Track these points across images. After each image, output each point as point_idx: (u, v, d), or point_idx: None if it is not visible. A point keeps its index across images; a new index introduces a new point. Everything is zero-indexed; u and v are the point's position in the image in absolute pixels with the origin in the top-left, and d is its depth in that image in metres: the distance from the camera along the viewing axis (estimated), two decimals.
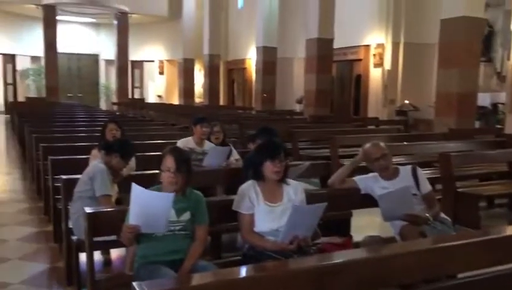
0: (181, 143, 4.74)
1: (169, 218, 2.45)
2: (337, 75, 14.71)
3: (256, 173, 2.78)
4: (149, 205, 2.37)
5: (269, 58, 14.96)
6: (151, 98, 23.72)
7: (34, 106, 16.32)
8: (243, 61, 19.72)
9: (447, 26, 8.17)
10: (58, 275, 3.67)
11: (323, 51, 11.60)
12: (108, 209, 2.83)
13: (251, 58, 18.47)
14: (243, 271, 2.10)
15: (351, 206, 3.74)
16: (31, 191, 6.56)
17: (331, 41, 11.66)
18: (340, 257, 2.23)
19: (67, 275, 3.49)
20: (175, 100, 22.08)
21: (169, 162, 2.56)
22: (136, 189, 2.38)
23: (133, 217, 2.40)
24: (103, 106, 22.87)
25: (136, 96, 23.71)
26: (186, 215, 2.62)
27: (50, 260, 4.05)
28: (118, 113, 15.00)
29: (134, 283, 1.60)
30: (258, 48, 15.21)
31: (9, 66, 21.92)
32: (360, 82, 14.30)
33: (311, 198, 2.92)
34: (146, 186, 2.74)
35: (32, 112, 12.39)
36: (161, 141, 6.21)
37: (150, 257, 2.52)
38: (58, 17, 19.69)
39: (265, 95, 15.14)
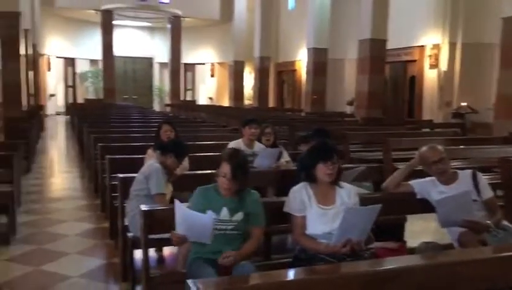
0: (231, 145, 4.78)
1: (211, 229, 2.49)
2: (390, 76, 14.36)
3: (308, 175, 2.76)
4: (192, 223, 2.48)
5: (320, 60, 14.83)
6: (202, 100, 24.16)
7: (92, 107, 17.04)
8: (293, 63, 19.68)
9: (510, 25, 7.78)
10: (114, 271, 3.81)
11: (376, 52, 11.36)
12: (163, 208, 2.89)
13: (301, 60, 18.39)
14: (295, 273, 2.09)
15: (405, 211, 3.63)
16: (89, 189, 6.85)
17: (384, 42, 11.40)
18: (395, 262, 2.17)
19: (123, 270, 3.61)
20: (225, 102, 22.36)
21: (225, 168, 2.60)
22: (178, 207, 2.47)
23: (179, 228, 2.49)
24: (156, 107, 23.52)
25: (188, 98, 24.22)
26: (239, 216, 2.65)
27: (106, 255, 4.20)
28: (170, 115, 15.37)
29: (188, 281, 1.64)
30: (308, 50, 15.11)
31: (70, 69, 23.02)
32: (414, 84, 13.88)
33: (364, 202, 2.86)
34: (201, 185, 2.81)
35: (90, 113, 12.94)
36: (212, 142, 6.32)
37: (202, 253, 2.57)
38: (115, 22, 20.46)
39: (315, 96, 15.02)
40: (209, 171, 4.23)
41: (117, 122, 10.36)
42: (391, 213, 3.36)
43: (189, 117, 15.37)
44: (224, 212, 2.64)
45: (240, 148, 4.61)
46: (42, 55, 19.60)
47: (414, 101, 13.86)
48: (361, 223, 2.52)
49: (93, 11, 19.88)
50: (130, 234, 3.39)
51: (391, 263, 2.14)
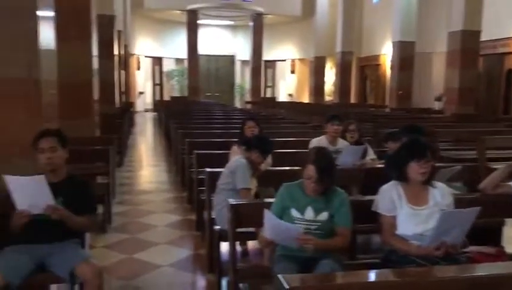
0: (314, 143, 4.74)
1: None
2: (484, 70, 13.41)
3: (399, 173, 2.65)
4: (280, 231, 2.49)
5: (406, 54, 14.23)
6: (282, 96, 24.24)
7: (177, 104, 17.76)
8: (376, 57, 19.10)
9: None
10: (201, 262, 3.95)
11: (468, 44, 10.67)
12: (250, 202, 2.93)
13: (386, 54, 17.78)
14: (384, 275, 2.02)
15: (504, 214, 3.37)
16: (176, 182, 7.15)
17: (477, 33, 10.67)
18: (496, 268, 2.03)
19: (209, 262, 3.72)
20: (305, 99, 22.24)
21: (311, 171, 2.55)
22: (268, 216, 2.48)
23: (268, 233, 2.51)
24: (238, 104, 24.00)
25: (268, 95, 24.41)
26: (324, 216, 2.60)
27: (193, 246, 4.36)
28: (251, 112, 15.59)
29: (279, 276, 1.64)
30: (394, 43, 14.57)
31: (157, 68, 24.18)
32: (511, 78, 12.86)
33: (459, 203, 2.70)
34: (285, 181, 2.81)
35: (175, 110, 13.49)
36: (294, 138, 6.31)
37: (288, 250, 2.57)
38: (199, 21, 21.15)
39: (400, 92, 14.45)
40: (292, 168, 4.26)
41: (200, 118, 10.71)
42: (488, 216, 3.13)
43: (270, 114, 15.52)
44: (309, 212, 2.60)
45: (323, 146, 4.60)
46: (132, 55, 20.76)
47: (511, 96, 12.85)
48: (458, 225, 2.37)
49: (179, 12, 20.69)
50: (216, 227, 3.48)
51: (492, 269, 2.00)
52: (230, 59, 25.41)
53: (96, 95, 6.04)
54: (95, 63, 6.02)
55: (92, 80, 5.62)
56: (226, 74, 25.50)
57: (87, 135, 5.63)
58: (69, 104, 4.45)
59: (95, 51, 6.00)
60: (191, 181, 5.56)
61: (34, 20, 2.91)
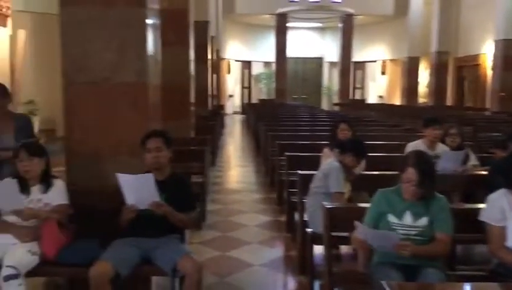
0: (411, 147, 4.57)
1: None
2: None
3: (509, 181, 2.46)
4: (377, 238, 2.47)
5: (510, 52, 13.18)
6: (371, 98, 23.59)
7: (265, 107, 18.02)
8: (475, 57, 17.88)
9: None
10: (292, 263, 3.97)
11: None
12: (345, 206, 2.90)
13: (486, 54, 16.60)
14: (493, 288, 1.90)
15: None
16: (264, 183, 7.25)
17: None
18: None
19: (301, 264, 3.73)
20: (396, 101, 21.44)
21: (411, 174, 2.47)
22: (361, 230, 2.47)
23: (365, 237, 2.47)
24: (325, 106, 23.78)
25: (357, 97, 23.91)
26: (423, 221, 2.51)
27: (284, 248, 4.40)
28: (341, 114, 15.36)
29: (383, 282, 1.60)
30: (496, 42, 13.56)
31: (246, 72, 24.73)
32: None
33: None
34: (378, 186, 2.74)
35: (264, 112, 13.69)
36: (386, 142, 6.12)
37: (387, 257, 2.49)
38: (288, 24, 21.29)
39: (503, 94, 13.41)
40: (386, 173, 4.13)
41: (288, 120, 10.77)
42: None
43: (359, 116, 15.19)
44: (407, 217, 2.52)
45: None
46: (223, 59, 21.43)
47: None
48: None
49: (268, 16, 20.99)
50: (309, 230, 3.48)
51: None
52: (318, 61, 25.27)
53: (192, 98, 6.33)
54: (192, 68, 6.30)
55: (190, 84, 5.89)
56: (314, 76, 25.39)
57: (184, 136, 5.91)
58: (169, 106, 4.70)
59: (191, 55, 6.28)
60: (280, 183, 5.62)
61: (143, 29, 3.12)
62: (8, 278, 2.52)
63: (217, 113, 12.69)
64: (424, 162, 2.51)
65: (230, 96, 23.54)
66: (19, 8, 9.00)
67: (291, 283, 3.76)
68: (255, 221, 5.18)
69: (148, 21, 3.18)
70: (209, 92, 11.59)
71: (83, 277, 2.62)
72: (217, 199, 6.13)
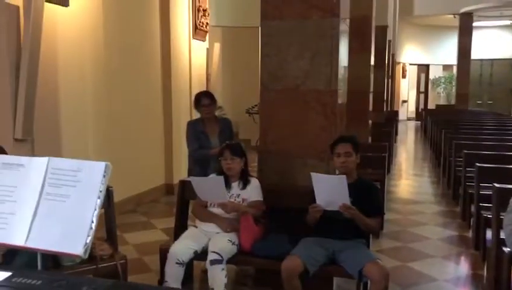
0: None
1: None
2: None
3: None
4: None
5: None
6: None
7: (443, 113, 16.81)
8: None
9: None
10: (481, 283, 3.67)
11: None
12: None
13: None
14: None
15: None
16: (445, 195, 6.80)
17: None
18: None
19: (492, 285, 3.42)
20: None
21: None
22: None
23: None
24: None
25: None
26: None
27: (471, 266, 4.09)
28: None
29: None
30: None
31: (423, 76, 23.41)
32: None
33: None
34: None
35: (442, 119, 12.80)
36: None
37: None
38: (474, 24, 19.51)
39: None
40: None
41: (470, 128, 9.88)
42: None
43: None
44: None
45: None
46: (398, 63, 20.68)
47: None
48: None
49: (450, 16, 19.55)
50: (506, 249, 3.17)
51: None
52: (509, 62, 22.56)
53: (370, 104, 6.29)
54: (371, 74, 6.27)
55: (369, 90, 5.87)
56: (503, 79, 22.73)
57: (362, 142, 5.91)
58: (351, 112, 4.76)
59: (372, 61, 6.25)
60: (467, 196, 5.22)
61: (335, 38, 3.25)
62: (214, 262, 2.87)
63: (392, 119, 12.32)
64: None
65: (404, 101, 22.58)
66: (212, 23, 10.11)
67: None
68: (437, 234, 4.92)
69: (340, 31, 3.29)
70: (384, 98, 11.33)
71: (274, 268, 2.83)
72: (394, 208, 5.96)
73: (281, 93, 3.40)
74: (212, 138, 4.03)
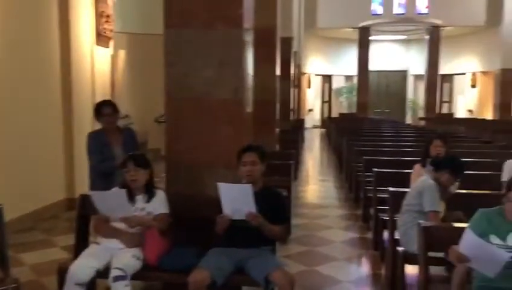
0: (509, 165, 4.34)
1: (501, 267, 2.31)
2: None
3: None
4: (482, 253, 2.37)
5: None
6: (460, 112, 22.40)
7: (346, 121, 17.80)
8: None
9: None
10: (380, 282, 3.89)
11: None
12: (442, 226, 2.81)
13: None
14: None
15: None
16: (348, 199, 7.16)
17: None
18: None
19: (390, 283, 3.64)
20: (488, 115, 20.16)
21: None
22: (470, 237, 2.39)
23: (465, 251, 2.39)
24: (409, 121, 22.98)
25: (444, 111, 22.82)
26: None
27: (372, 266, 4.32)
28: (427, 129, 14.79)
29: None
30: None
31: (326, 86, 24.61)
32: None
33: None
34: (474, 205, 2.64)
35: (345, 127, 13.54)
36: (479, 159, 5.83)
37: (489, 281, 2.38)
38: (371, 38, 20.94)
39: None
40: (483, 192, 3.94)
41: (370, 135, 10.55)
42: None
43: (447, 131, 14.50)
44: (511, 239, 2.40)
45: None
46: (304, 73, 21.53)
47: None
48: None
49: (350, 29, 20.81)
50: (400, 248, 3.40)
51: None
52: (402, 74, 24.51)
53: (277, 112, 6.45)
54: (278, 83, 6.44)
55: (276, 99, 6.02)
56: (397, 89, 24.66)
57: (269, 150, 6.03)
58: (257, 121, 4.83)
59: (277, 71, 6.42)
60: (366, 199, 5.53)
61: (240, 48, 3.28)
62: (117, 278, 2.74)
63: (299, 127, 12.77)
64: None
65: (310, 110, 23.53)
66: (117, 29, 9.78)
67: None
68: (341, 237, 5.14)
69: (245, 41, 3.33)
70: (291, 107, 11.71)
71: (181, 282, 2.77)
72: (301, 214, 6.15)
73: (188, 103, 3.35)
74: (115, 149, 3.85)
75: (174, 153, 3.41)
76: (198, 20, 3.25)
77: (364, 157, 5.81)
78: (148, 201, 3.12)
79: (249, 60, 3.55)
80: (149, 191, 3.14)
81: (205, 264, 2.78)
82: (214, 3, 3.25)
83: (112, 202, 2.96)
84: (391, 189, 3.78)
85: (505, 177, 4.21)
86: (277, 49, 6.30)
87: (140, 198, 3.12)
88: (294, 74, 13.18)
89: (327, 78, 24.44)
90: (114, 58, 7.82)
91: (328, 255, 4.50)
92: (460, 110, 22.62)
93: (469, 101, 22.45)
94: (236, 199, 2.80)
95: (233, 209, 2.82)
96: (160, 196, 3.15)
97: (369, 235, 5.07)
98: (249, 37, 3.51)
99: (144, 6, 9.98)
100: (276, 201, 3.05)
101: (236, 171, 3.09)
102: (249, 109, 3.58)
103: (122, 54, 9.80)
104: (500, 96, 18.80)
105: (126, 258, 2.88)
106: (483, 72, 21.51)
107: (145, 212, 3.09)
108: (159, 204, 3.12)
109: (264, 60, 5.65)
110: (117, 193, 3.01)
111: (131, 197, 3.08)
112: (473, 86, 22.35)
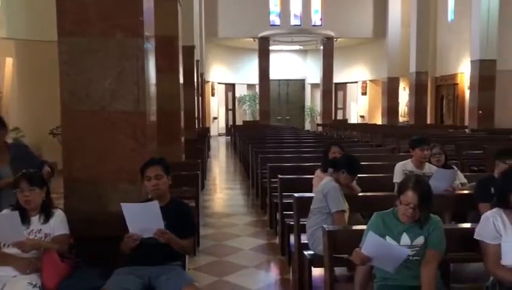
0: (399, 167, 4.64)
1: (399, 263, 2.47)
2: None
3: (502, 200, 2.56)
4: (383, 251, 2.49)
5: (487, 72, 13.60)
6: (353, 118, 23.96)
7: (250, 128, 18.13)
8: (453, 76, 18.40)
9: None
10: (288, 287, 3.98)
11: None
12: (345, 229, 2.95)
13: (464, 73, 17.09)
14: None
15: None
16: (255, 205, 7.27)
17: None
18: None
19: (298, 287, 3.75)
20: (377, 120, 21.83)
21: (410, 197, 2.50)
22: (372, 238, 2.50)
23: (367, 251, 2.50)
24: (308, 127, 24.04)
25: (339, 117, 24.25)
26: (420, 240, 2.57)
27: (280, 271, 4.41)
28: (324, 134, 15.56)
29: None
30: (472, 62, 13.99)
31: (230, 94, 24.91)
32: None
33: None
34: (370, 207, 2.81)
35: (250, 134, 13.78)
36: (372, 162, 6.20)
37: (389, 280, 2.54)
38: (271, 48, 21.61)
39: (480, 112, 13.78)
40: (379, 193, 4.20)
41: (273, 142, 10.83)
42: None
43: (342, 136, 15.40)
44: (405, 239, 2.57)
45: (409, 170, 4.50)
46: (207, 82, 21.56)
47: None
48: None
49: (251, 39, 21.29)
50: (307, 252, 3.51)
51: None
52: (301, 83, 25.62)
53: (182, 122, 6.37)
54: (182, 92, 6.37)
55: (180, 108, 5.94)
56: (297, 97, 25.70)
57: (175, 160, 5.92)
58: (162, 131, 4.72)
59: (181, 80, 6.35)
60: (272, 205, 5.66)
61: (140, 58, 3.18)
62: None
63: (204, 136, 12.72)
64: (423, 186, 2.55)
65: (215, 118, 23.61)
66: (2, 35, 9.01)
67: None
68: (250, 244, 5.18)
69: (145, 50, 3.24)
70: (196, 115, 11.63)
71: None
72: (209, 223, 6.11)
73: (86, 115, 3.17)
74: (2, 167, 3.48)
75: (72, 168, 3.21)
76: (95, 29, 3.10)
77: (269, 164, 5.94)
78: (45, 222, 2.88)
79: (151, 70, 3.46)
80: (46, 211, 2.90)
81: (110, 286, 2.64)
82: (111, 10, 3.13)
83: (2, 226, 2.70)
84: (296, 195, 3.90)
85: (396, 179, 4.52)
86: (179, 58, 6.23)
87: (36, 219, 2.88)
88: (197, 82, 13.14)
89: (230, 87, 24.73)
90: (1, 66, 7.18)
91: (237, 264, 4.51)
92: (353, 116, 24.21)
93: (361, 107, 24.11)
94: (142, 218, 2.69)
95: (141, 228, 2.72)
96: (59, 216, 2.93)
97: (277, 240, 5.18)
98: (149, 46, 3.43)
99: (34, 10, 9.31)
100: (182, 214, 2.99)
101: (139, 186, 2.99)
102: (153, 119, 3.49)
103: (9, 62, 9.03)
104: (387, 102, 20.47)
105: (21, 286, 2.63)
106: (372, 81, 23.27)
107: (42, 234, 2.86)
108: (57, 224, 2.90)
109: (166, 69, 5.56)
110: (8, 216, 2.75)
111: (26, 219, 2.83)
112: (364, 94, 24.07)
